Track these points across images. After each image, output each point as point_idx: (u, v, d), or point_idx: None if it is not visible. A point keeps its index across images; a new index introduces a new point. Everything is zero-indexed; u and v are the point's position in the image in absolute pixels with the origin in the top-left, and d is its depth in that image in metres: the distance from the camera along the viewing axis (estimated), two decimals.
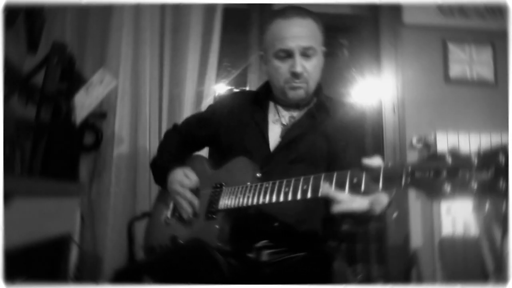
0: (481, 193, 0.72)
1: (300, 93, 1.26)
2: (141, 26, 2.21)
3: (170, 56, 2.25)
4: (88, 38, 2.22)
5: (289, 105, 1.32)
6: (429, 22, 2.42)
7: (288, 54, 1.22)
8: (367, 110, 2.57)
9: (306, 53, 1.22)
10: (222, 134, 1.34)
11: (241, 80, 2.46)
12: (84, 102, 1.87)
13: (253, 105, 1.36)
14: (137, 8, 2.22)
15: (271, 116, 1.32)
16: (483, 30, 2.42)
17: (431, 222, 2.22)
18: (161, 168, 1.37)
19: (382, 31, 2.51)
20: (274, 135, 1.28)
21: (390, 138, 2.41)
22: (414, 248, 2.21)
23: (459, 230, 2.17)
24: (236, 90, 2.38)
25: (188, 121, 1.53)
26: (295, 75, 1.22)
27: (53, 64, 1.79)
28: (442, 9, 2.42)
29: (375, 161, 0.89)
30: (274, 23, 1.25)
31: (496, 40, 2.39)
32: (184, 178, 1.27)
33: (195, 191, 1.26)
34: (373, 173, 0.87)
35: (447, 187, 0.75)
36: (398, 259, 2.27)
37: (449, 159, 0.76)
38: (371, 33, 2.56)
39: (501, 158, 0.71)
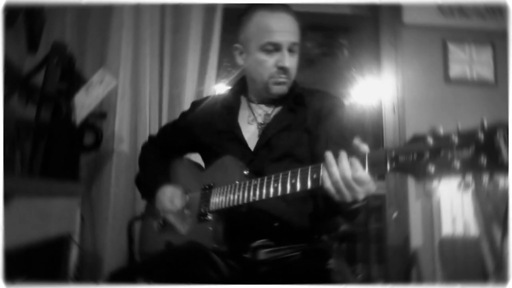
0: (464, 171, 0.74)
1: (284, 88, 1.25)
2: (141, 26, 2.21)
3: (170, 56, 2.25)
4: (88, 38, 2.22)
5: (263, 102, 1.30)
6: (429, 22, 2.42)
7: (276, 48, 1.20)
8: (367, 110, 2.58)
9: (292, 49, 1.21)
10: (200, 140, 1.33)
11: None
12: (84, 102, 1.87)
13: (224, 108, 1.34)
14: (137, 8, 2.22)
15: (246, 116, 1.31)
16: (483, 30, 2.41)
17: (431, 222, 2.21)
18: (146, 185, 1.37)
19: (382, 31, 2.51)
20: (252, 135, 1.26)
21: (390, 138, 2.41)
22: (414, 248, 2.21)
23: (459, 230, 2.17)
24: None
25: (164, 131, 1.52)
26: (283, 70, 1.21)
27: (53, 64, 1.79)
28: (442, 9, 2.42)
29: (362, 147, 0.90)
30: (258, 15, 1.22)
31: (496, 40, 2.39)
32: (170, 196, 1.26)
33: (184, 199, 1.26)
34: (359, 159, 0.88)
35: (431, 168, 0.77)
36: (398, 259, 2.27)
37: (430, 141, 0.78)
38: (371, 33, 2.56)
39: (480, 135, 0.73)
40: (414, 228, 2.23)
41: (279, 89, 1.24)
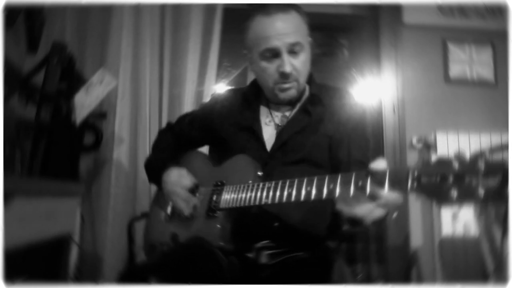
0: (488, 200, 0.71)
1: (292, 93, 1.21)
2: (141, 26, 2.21)
3: (170, 56, 2.25)
4: (88, 38, 2.22)
5: (280, 104, 1.27)
6: (429, 22, 2.42)
7: (274, 54, 1.16)
8: (367, 110, 2.58)
9: (293, 50, 1.16)
10: (217, 135, 1.31)
11: (241, 80, 2.46)
12: (84, 102, 1.87)
13: (244, 107, 1.31)
14: (137, 8, 2.22)
15: (263, 117, 1.28)
16: (483, 30, 2.42)
17: (431, 222, 2.21)
18: (156, 168, 1.35)
19: (382, 31, 2.51)
20: (270, 137, 1.24)
21: (390, 138, 2.41)
22: (414, 248, 2.21)
23: (459, 230, 2.17)
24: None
25: (182, 120, 1.48)
26: (284, 76, 1.17)
27: (53, 64, 1.79)
28: (442, 9, 2.42)
29: (380, 164, 0.86)
30: (256, 20, 1.19)
31: (496, 40, 2.39)
32: (179, 178, 1.25)
33: (193, 189, 1.24)
34: (378, 177, 0.84)
35: (454, 193, 0.74)
36: (398, 259, 2.27)
37: (455, 164, 0.75)
38: (371, 33, 2.56)
39: (508, 166, 0.70)
40: (414, 228, 2.23)
41: (286, 95, 1.21)
